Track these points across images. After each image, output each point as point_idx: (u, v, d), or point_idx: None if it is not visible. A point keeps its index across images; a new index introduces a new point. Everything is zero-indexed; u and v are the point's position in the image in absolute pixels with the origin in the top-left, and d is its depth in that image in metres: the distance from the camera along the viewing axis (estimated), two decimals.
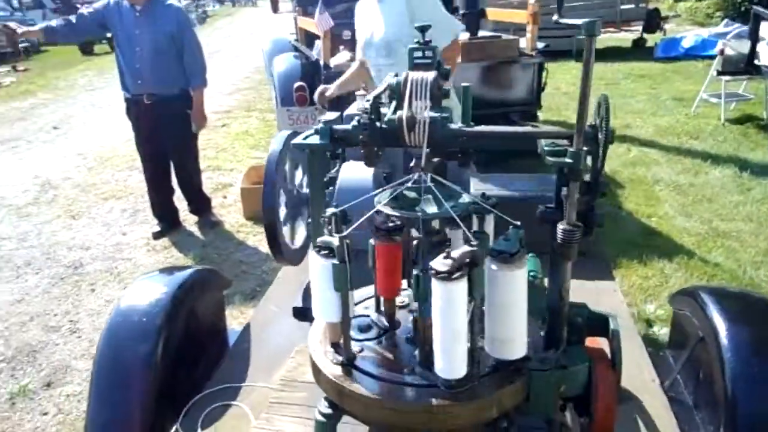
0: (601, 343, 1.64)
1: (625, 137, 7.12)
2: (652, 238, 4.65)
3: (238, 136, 8.18)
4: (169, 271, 2.73)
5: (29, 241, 5.24)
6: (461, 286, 1.24)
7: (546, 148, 1.38)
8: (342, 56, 5.02)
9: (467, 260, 1.26)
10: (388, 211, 1.38)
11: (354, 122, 1.44)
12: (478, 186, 3.34)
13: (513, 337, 1.33)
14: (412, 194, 1.46)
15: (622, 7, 12.27)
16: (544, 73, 5.13)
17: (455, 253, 1.27)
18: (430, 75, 1.41)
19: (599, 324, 1.62)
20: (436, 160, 1.50)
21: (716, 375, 2.04)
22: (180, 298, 2.40)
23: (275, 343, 2.63)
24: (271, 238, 2.07)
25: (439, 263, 1.25)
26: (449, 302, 1.25)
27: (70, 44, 15.84)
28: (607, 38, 13.23)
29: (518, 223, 1.42)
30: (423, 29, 1.55)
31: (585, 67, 1.26)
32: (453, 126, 1.44)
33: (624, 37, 13.52)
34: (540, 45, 5.13)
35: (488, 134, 1.46)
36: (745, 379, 1.96)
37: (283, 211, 2.22)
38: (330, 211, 1.39)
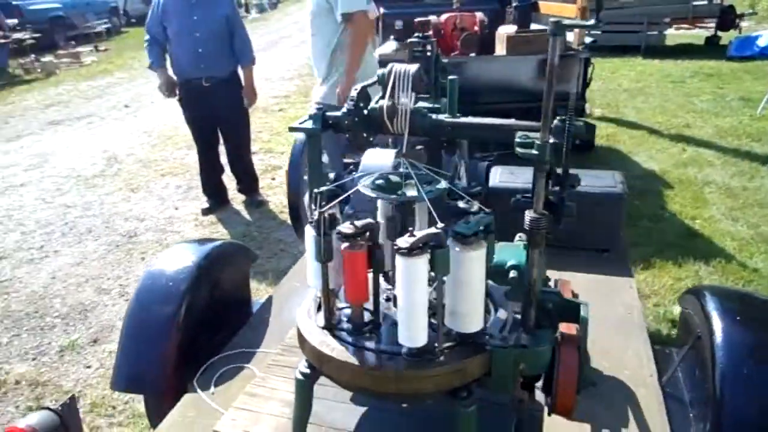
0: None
1: (681, 137, 6.94)
2: (692, 240, 4.57)
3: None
4: (199, 242, 2.94)
5: (92, 210, 5.64)
6: (420, 261, 1.35)
7: (517, 140, 1.46)
8: (389, 46, 5.13)
9: (429, 240, 1.37)
10: (368, 192, 1.50)
11: (343, 109, 1.56)
12: (502, 176, 3.40)
13: (469, 311, 1.42)
14: (396, 179, 1.57)
15: (695, 3, 11.78)
16: (590, 69, 5.08)
17: (419, 233, 1.38)
18: (413, 68, 1.51)
19: (571, 311, 1.68)
20: (419, 147, 1.60)
21: (708, 374, 2.06)
22: (205, 267, 2.59)
23: (293, 315, 2.79)
24: (294, 218, 2.23)
25: (402, 240, 1.36)
26: (409, 276, 1.36)
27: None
28: (678, 35, 12.77)
29: (488, 210, 1.51)
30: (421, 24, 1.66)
31: (549, 66, 1.33)
32: (434, 116, 1.54)
33: (697, 34, 13.00)
34: (588, 40, 5.08)
35: (465, 125, 1.55)
36: (734, 380, 1.98)
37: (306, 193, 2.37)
38: (317, 189, 1.52)
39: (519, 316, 1.65)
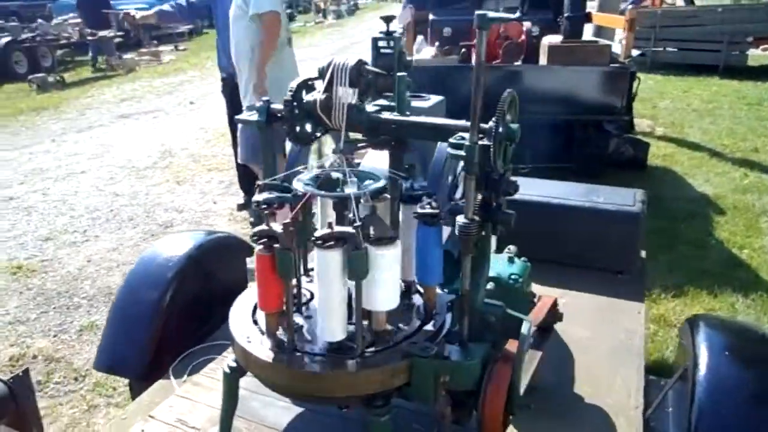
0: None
1: (746, 161, 6.52)
2: (735, 270, 4.27)
3: None
4: (195, 233, 2.99)
5: (137, 200, 5.88)
6: (333, 255, 1.32)
7: (450, 140, 1.40)
8: (427, 51, 5.08)
9: (344, 237, 1.33)
10: (300, 188, 1.48)
11: (283, 102, 1.54)
12: (536, 188, 3.28)
13: (379, 309, 1.38)
14: (336, 176, 1.54)
15: None
16: (635, 83, 4.85)
17: (336, 227, 1.34)
18: (351, 61, 1.47)
19: (515, 326, 1.59)
20: (361, 145, 1.56)
21: (686, 409, 1.91)
22: (196, 256, 2.62)
23: None
24: None
25: (319, 232, 1.33)
26: (323, 267, 1.33)
27: (185, 26, 17.50)
28: (763, 55, 12.04)
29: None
30: (387, 19, 1.64)
31: (477, 63, 1.27)
32: (370, 112, 1.50)
33: None
34: (635, 53, 4.85)
35: (403, 123, 1.50)
36: (711, 419, 1.82)
37: None
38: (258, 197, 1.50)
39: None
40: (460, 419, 1.53)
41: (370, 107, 1.57)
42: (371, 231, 1.39)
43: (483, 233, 1.50)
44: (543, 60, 5.05)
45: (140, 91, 11.62)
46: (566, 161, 4.93)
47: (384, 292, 1.43)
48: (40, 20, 15.85)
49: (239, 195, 5.60)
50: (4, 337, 3.76)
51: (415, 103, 3.03)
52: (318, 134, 1.62)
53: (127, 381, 3.20)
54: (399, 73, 1.57)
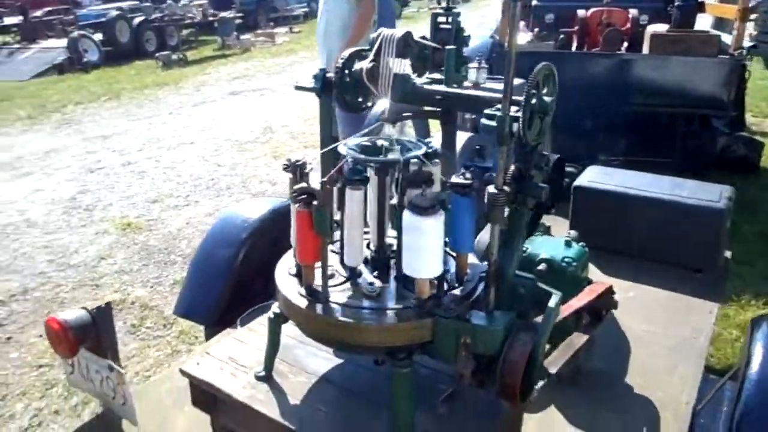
0: None
1: None
2: None
3: None
4: (271, 198, 3.18)
5: (236, 171, 6.26)
6: (355, 193, 1.43)
7: (486, 111, 1.44)
8: (523, 37, 5.01)
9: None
10: (343, 152, 1.57)
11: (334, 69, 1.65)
12: (594, 176, 3.22)
13: (419, 272, 1.46)
14: (381, 143, 1.63)
15: None
16: (747, 75, 4.53)
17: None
18: (399, 33, 1.55)
19: (544, 300, 1.61)
20: (407, 114, 1.64)
21: (731, 410, 1.85)
22: (269, 220, 2.80)
23: None
24: None
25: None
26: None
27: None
28: None
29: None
30: None
31: (510, 35, 1.31)
32: (415, 82, 1.57)
33: None
34: (747, 44, 4.52)
35: (444, 93, 1.56)
36: (754, 416, 1.75)
37: None
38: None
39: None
40: (484, 383, 1.58)
41: (419, 79, 1.64)
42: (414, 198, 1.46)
43: (516, 207, 1.53)
44: (645, 49, 4.84)
45: (252, 70, 12.22)
46: (665, 156, 4.70)
47: (424, 260, 1.49)
48: (169, 1, 17.01)
49: None
50: (109, 283, 4.19)
51: (491, 84, 3.06)
52: (369, 104, 1.71)
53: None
54: (449, 47, 1.62)
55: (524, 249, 2.27)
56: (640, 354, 2.42)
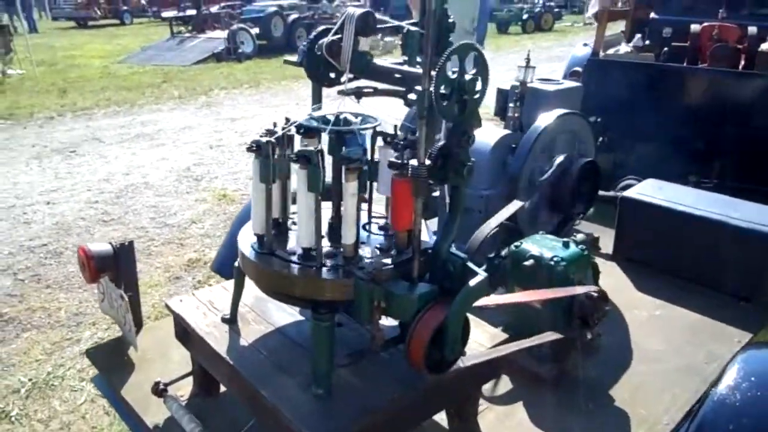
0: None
1: None
2: None
3: None
4: None
5: None
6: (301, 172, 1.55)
7: (416, 88, 1.51)
8: (624, 48, 4.80)
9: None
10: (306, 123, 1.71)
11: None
12: (646, 189, 3.07)
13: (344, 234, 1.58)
14: (348, 117, 1.76)
15: None
16: None
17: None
18: (360, 11, 1.66)
19: (468, 278, 1.63)
20: (368, 91, 1.75)
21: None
22: None
23: None
24: None
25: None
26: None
27: None
28: None
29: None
30: None
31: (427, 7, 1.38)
32: (371, 60, 1.67)
33: None
34: None
35: (395, 71, 1.65)
36: None
37: None
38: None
39: None
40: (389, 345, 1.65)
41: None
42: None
43: (456, 185, 1.58)
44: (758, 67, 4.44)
45: None
46: (765, 183, 4.31)
47: (345, 225, 1.62)
48: (324, 1, 18.04)
49: None
50: (192, 244, 4.64)
51: (540, 86, 3.02)
52: (341, 79, 1.81)
53: None
54: (412, 29, 1.70)
55: (518, 244, 2.28)
56: (640, 370, 2.31)
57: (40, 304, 3.89)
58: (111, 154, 7.05)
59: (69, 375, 3.23)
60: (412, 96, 1.48)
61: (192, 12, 17.76)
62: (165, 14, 19.89)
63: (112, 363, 2.29)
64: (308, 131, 1.63)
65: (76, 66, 13.95)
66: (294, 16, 16.81)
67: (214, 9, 18.30)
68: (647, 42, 5.28)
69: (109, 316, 2.46)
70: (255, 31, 15.79)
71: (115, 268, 2.32)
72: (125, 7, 25.98)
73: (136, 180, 6.08)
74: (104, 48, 17.19)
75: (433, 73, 1.41)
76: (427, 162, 1.51)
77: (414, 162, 1.52)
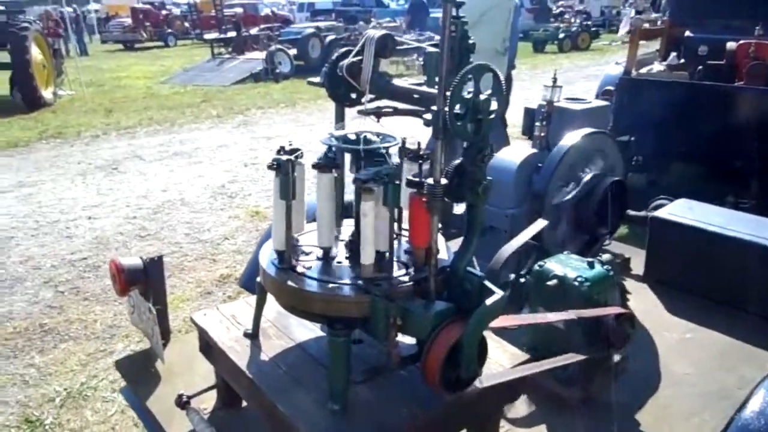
0: None
1: None
2: None
3: None
4: None
5: None
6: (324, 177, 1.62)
7: (432, 108, 1.53)
8: (656, 67, 4.74)
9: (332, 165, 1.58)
10: (326, 143, 1.75)
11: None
12: (677, 209, 3.01)
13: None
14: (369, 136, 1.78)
15: None
16: None
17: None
18: (379, 33, 1.69)
19: (485, 297, 1.63)
20: (387, 110, 1.78)
21: None
22: None
23: None
24: None
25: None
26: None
27: None
28: None
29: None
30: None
31: (442, 36, 1.40)
32: (390, 80, 1.70)
33: None
34: None
35: (413, 91, 1.67)
36: None
37: None
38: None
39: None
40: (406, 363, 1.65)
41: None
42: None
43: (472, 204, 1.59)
44: None
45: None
46: None
47: (363, 243, 1.63)
48: (361, 23, 18.29)
49: None
50: (224, 260, 4.72)
51: (566, 105, 3.01)
52: (363, 99, 1.85)
53: None
54: (430, 50, 1.72)
55: (542, 264, 2.26)
56: (667, 394, 2.26)
57: (77, 316, 4.01)
58: (150, 171, 7.25)
59: (102, 386, 3.31)
60: (427, 116, 1.49)
61: (232, 34, 18.21)
62: (207, 36, 20.43)
63: (139, 375, 2.34)
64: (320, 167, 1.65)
65: (122, 87, 14.44)
66: (331, 37, 17.08)
67: (253, 31, 18.80)
68: (682, 60, 5.21)
69: (138, 328, 2.52)
70: (293, 51, 16.09)
71: (144, 281, 2.38)
72: (169, 30, 26.81)
73: (173, 196, 6.23)
74: (149, 69, 17.75)
75: (448, 93, 1.43)
76: (443, 181, 1.52)
77: (430, 180, 1.54)
